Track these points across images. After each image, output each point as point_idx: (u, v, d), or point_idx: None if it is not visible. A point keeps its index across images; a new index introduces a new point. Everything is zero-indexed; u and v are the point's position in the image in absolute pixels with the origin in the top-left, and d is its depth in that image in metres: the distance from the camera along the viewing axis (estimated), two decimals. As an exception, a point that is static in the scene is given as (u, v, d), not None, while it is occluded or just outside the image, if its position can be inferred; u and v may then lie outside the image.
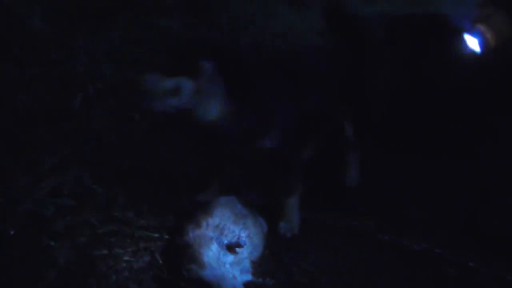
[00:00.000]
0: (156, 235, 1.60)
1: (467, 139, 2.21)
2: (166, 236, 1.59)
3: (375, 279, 1.57)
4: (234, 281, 1.38)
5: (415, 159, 2.22)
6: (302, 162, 1.76)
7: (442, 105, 2.21)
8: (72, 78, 2.22)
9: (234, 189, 1.73)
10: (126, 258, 1.49)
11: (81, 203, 1.60)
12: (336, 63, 1.88)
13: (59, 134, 1.89)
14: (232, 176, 1.85)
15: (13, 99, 1.99)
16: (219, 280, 1.36)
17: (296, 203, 1.73)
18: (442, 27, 2.13)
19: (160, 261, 1.49)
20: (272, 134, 1.59)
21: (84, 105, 2.10)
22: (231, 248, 1.44)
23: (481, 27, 1.93)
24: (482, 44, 1.94)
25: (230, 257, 1.43)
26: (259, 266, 1.52)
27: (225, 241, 1.45)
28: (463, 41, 1.98)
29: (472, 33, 1.96)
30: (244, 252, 1.47)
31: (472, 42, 1.96)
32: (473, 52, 1.96)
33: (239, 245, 1.45)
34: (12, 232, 1.44)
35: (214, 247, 1.42)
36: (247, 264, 1.47)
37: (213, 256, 1.40)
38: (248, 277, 1.46)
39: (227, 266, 1.40)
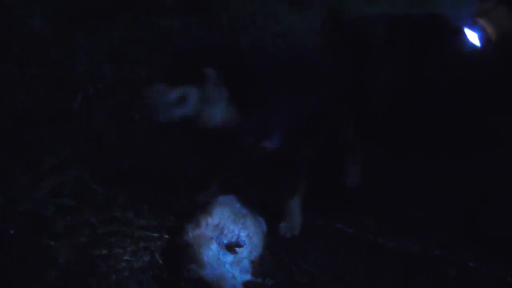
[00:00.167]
0: (156, 235, 1.60)
1: (467, 139, 2.20)
2: (166, 236, 1.59)
3: (375, 279, 1.57)
4: (233, 281, 1.38)
5: (415, 159, 2.22)
6: (304, 163, 1.76)
7: (442, 105, 2.20)
8: (72, 78, 2.22)
9: (234, 189, 1.73)
10: (126, 258, 1.49)
11: (81, 203, 1.60)
12: (336, 63, 1.87)
13: (59, 134, 1.90)
14: (232, 176, 1.85)
15: (13, 99, 1.99)
16: (218, 279, 1.36)
17: (298, 204, 1.73)
18: (443, 27, 2.12)
19: (160, 261, 1.49)
20: (274, 135, 1.59)
21: (84, 105, 2.11)
22: (230, 247, 1.44)
23: (481, 21, 1.92)
24: (483, 39, 1.93)
25: (229, 257, 1.43)
26: (259, 266, 1.52)
27: (225, 241, 1.45)
28: (463, 39, 1.97)
29: (472, 27, 1.95)
30: (243, 252, 1.47)
31: (473, 37, 1.96)
32: (473, 47, 1.95)
33: (238, 244, 1.45)
34: (12, 232, 1.45)
35: (214, 246, 1.42)
36: (246, 263, 1.47)
37: (213, 255, 1.40)
38: (248, 276, 1.46)
39: (227, 265, 1.40)
